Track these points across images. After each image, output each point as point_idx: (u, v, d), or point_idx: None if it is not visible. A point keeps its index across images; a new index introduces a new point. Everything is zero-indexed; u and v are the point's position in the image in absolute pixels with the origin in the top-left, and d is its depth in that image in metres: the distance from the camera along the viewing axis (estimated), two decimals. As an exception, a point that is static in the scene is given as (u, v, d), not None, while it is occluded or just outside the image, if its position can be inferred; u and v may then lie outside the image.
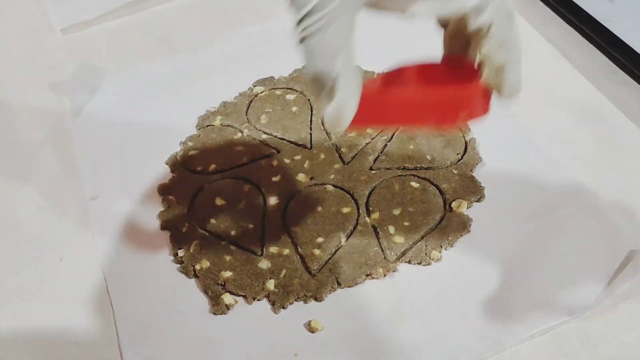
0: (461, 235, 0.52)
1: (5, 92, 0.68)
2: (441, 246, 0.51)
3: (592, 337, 0.45)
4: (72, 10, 0.75)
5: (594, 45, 0.65)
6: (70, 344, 0.48)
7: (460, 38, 0.38)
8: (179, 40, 0.73)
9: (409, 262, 0.51)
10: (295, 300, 0.49)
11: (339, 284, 0.49)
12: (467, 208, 0.53)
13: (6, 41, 0.75)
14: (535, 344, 0.45)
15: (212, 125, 0.62)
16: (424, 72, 0.40)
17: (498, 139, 0.58)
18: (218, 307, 0.48)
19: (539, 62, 0.64)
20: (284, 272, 0.50)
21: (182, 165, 0.59)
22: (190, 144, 0.60)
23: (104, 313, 0.49)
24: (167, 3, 0.77)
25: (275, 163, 0.58)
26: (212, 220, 0.54)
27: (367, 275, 0.49)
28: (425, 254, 0.51)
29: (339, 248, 0.52)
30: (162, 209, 0.55)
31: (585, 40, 0.66)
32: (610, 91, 0.61)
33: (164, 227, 0.54)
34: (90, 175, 0.58)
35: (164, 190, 0.57)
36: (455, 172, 0.56)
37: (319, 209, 0.54)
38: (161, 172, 0.58)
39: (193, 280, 0.51)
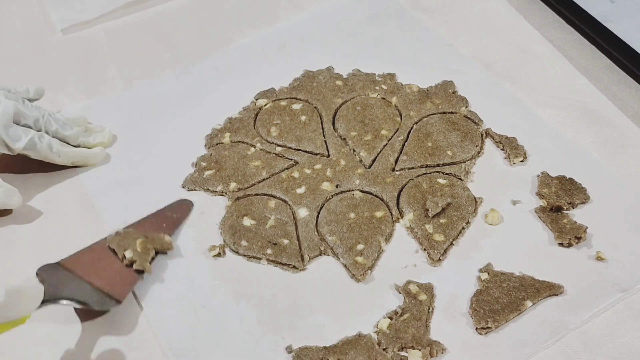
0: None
1: None
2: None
3: (592, 338, 0.46)
4: (72, 10, 0.74)
5: (594, 45, 0.66)
6: (71, 343, 0.47)
7: None
8: (179, 40, 0.71)
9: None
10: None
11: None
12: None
13: (6, 41, 0.73)
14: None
15: (222, 143, 0.60)
16: None
17: (511, 126, 0.59)
18: None
19: (539, 62, 0.65)
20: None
21: (200, 187, 0.56)
22: (203, 164, 0.58)
23: (105, 315, 0.49)
24: (167, 3, 0.76)
25: (296, 175, 0.57)
26: (244, 242, 0.52)
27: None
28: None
29: (380, 253, 0.51)
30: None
31: (586, 40, 0.67)
32: (611, 91, 0.62)
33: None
34: (105, 209, 0.55)
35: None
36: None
37: (352, 215, 0.53)
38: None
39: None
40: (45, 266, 0.49)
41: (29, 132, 0.54)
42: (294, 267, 0.51)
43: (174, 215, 0.55)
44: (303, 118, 0.61)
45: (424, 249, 0.51)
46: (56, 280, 0.48)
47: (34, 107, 0.56)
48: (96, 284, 0.49)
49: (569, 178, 0.54)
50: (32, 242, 0.54)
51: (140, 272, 0.50)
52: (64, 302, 0.46)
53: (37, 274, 0.48)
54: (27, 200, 0.56)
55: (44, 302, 0.44)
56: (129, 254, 0.50)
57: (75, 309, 0.49)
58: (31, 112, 0.55)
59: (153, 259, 0.51)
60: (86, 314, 0.49)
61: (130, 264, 0.50)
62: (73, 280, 0.49)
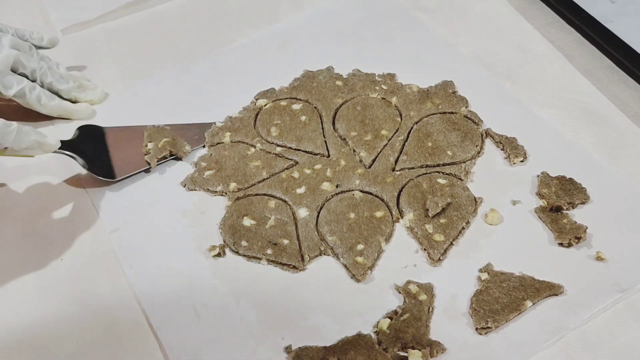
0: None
1: None
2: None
3: (592, 338, 0.46)
4: (72, 10, 0.74)
5: (594, 45, 0.66)
6: (71, 343, 0.47)
7: None
8: (179, 40, 0.71)
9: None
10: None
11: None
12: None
13: None
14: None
15: (222, 143, 0.60)
16: None
17: (511, 126, 0.59)
18: None
19: (539, 63, 0.65)
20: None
21: (200, 187, 0.57)
22: (203, 164, 0.58)
23: (104, 314, 0.49)
24: (167, 3, 0.76)
25: (296, 175, 0.57)
26: (244, 243, 0.52)
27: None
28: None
29: (380, 253, 0.51)
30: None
31: (586, 40, 0.67)
32: (611, 91, 0.62)
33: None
34: (105, 207, 0.55)
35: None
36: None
37: (352, 215, 0.53)
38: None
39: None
40: (88, 125, 0.60)
41: (22, 81, 0.59)
42: (294, 267, 0.51)
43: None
44: (303, 118, 0.61)
45: (424, 249, 0.51)
46: (85, 138, 0.58)
47: (37, 57, 0.61)
48: (112, 156, 0.58)
49: (569, 178, 0.54)
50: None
51: (148, 163, 0.57)
52: (72, 154, 0.56)
53: (77, 128, 0.59)
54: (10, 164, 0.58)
55: (60, 149, 0.55)
56: (150, 146, 0.58)
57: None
58: (30, 63, 0.60)
59: (165, 158, 0.58)
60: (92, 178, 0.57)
61: (146, 154, 0.58)
62: (99, 144, 0.58)
